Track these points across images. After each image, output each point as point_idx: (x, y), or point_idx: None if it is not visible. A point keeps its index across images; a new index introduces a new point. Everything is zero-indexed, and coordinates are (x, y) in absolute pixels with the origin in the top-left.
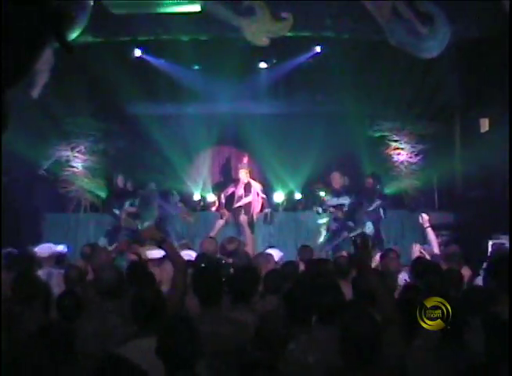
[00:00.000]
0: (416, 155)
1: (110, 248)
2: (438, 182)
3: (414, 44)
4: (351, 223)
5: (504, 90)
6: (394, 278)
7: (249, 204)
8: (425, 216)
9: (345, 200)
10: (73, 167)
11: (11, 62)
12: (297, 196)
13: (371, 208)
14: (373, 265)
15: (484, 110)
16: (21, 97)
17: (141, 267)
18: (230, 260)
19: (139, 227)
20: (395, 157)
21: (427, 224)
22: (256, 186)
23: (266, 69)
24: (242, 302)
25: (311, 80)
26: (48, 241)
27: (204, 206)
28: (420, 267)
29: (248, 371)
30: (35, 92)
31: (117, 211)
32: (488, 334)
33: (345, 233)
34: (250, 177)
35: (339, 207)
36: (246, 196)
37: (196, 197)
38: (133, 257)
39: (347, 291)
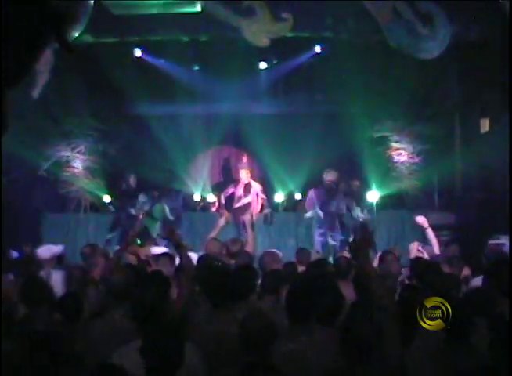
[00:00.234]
0: (417, 155)
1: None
2: (438, 182)
3: (414, 44)
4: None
5: (504, 90)
6: (394, 280)
7: (249, 205)
8: (421, 218)
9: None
10: (74, 167)
11: (11, 62)
12: (297, 196)
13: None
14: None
15: (484, 110)
16: (21, 97)
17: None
18: (232, 261)
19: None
20: (396, 158)
21: (426, 225)
22: (256, 187)
23: (266, 69)
24: (240, 301)
25: (311, 80)
26: (48, 242)
27: (204, 206)
28: (419, 267)
29: (247, 371)
30: (35, 93)
31: (132, 211)
32: (494, 336)
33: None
34: (250, 177)
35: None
36: (246, 196)
37: (197, 197)
38: (131, 257)
39: (347, 291)
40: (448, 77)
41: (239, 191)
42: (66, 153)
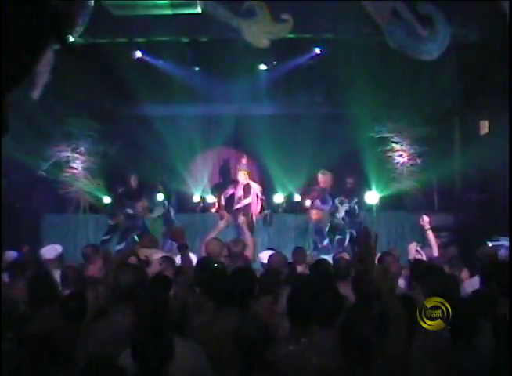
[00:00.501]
0: (417, 157)
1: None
2: (437, 183)
3: (414, 46)
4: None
5: (504, 92)
6: (394, 281)
7: (248, 206)
8: (426, 218)
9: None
10: (73, 168)
11: (12, 63)
12: (297, 197)
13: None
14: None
15: (483, 112)
16: (21, 98)
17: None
18: (234, 262)
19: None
20: (396, 159)
21: (427, 226)
22: (255, 188)
23: (266, 70)
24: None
25: (311, 81)
26: (47, 242)
27: (204, 207)
28: (419, 269)
29: (246, 371)
30: (35, 94)
31: (130, 211)
32: (498, 337)
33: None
34: (250, 178)
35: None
36: (245, 197)
37: (196, 198)
38: (132, 259)
39: (347, 292)
40: (447, 79)
41: (239, 192)
42: (65, 153)
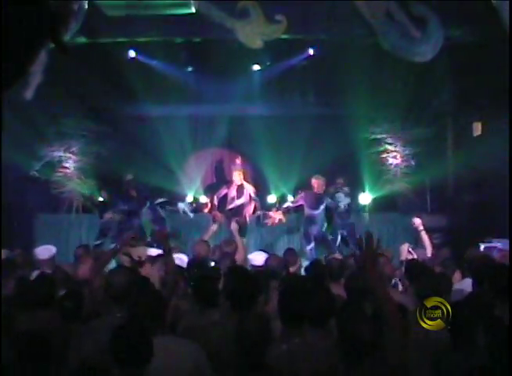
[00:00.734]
0: (410, 158)
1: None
2: (430, 185)
3: (407, 47)
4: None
5: (497, 94)
6: (388, 283)
7: (241, 207)
8: (417, 220)
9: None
10: (66, 168)
11: (9, 62)
12: (290, 198)
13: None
14: None
15: (476, 113)
16: (14, 98)
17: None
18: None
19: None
20: (390, 160)
21: (420, 227)
22: (249, 188)
23: (259, 71)
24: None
25: (305, 82)
26: (40, 242)
27: (197, 208)
28: (413, 270)
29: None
30: (28, 94)
31: (126, 208)
32: (491, 338)
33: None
34: (244, 179)
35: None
36: (238, 198)
37: (189, 198)
38: (124, 258)
39: (339, 293)
40: (440, 81)
41: (232, 193)
42: (58, 153)
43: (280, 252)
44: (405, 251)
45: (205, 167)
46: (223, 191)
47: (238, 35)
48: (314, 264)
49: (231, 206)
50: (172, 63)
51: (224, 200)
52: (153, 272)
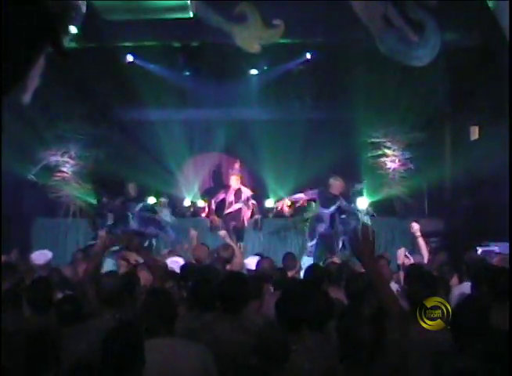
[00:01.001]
0: (407, 162)
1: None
2: (428, 189)
3: (405, 52)
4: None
5: (494, 98)
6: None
7: (239, 211)
8: (415, 225)
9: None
10: (63, 172)
11: (10, 64)
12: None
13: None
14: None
15: (473, 117)
16: (12, 102)
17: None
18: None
19: None
20: (387, 164)
21: (418, 233)
22: (246, 193)
23: (257, 75)
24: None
25: (302, 86)
26: (37, 246)
27: (194, 212)
28: (414, 274)
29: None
30: (26, 97)
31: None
32: (493, 341)
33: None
34: (241, 183)
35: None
36: (236, 202)
37: (187, 202)
38: (122, 262)
39: (338, 297)
40: (438, 85)
41: (230, 197)
42: (55, 157)
43: (278, 256)
44: (402, 256)
45: (203, 171)
46: (221, 195)
47: (236, 39)
48: (312, 268)
49: (228, 210)
50: (170, 67)
51: (221, 204)
52: (149, 276)
